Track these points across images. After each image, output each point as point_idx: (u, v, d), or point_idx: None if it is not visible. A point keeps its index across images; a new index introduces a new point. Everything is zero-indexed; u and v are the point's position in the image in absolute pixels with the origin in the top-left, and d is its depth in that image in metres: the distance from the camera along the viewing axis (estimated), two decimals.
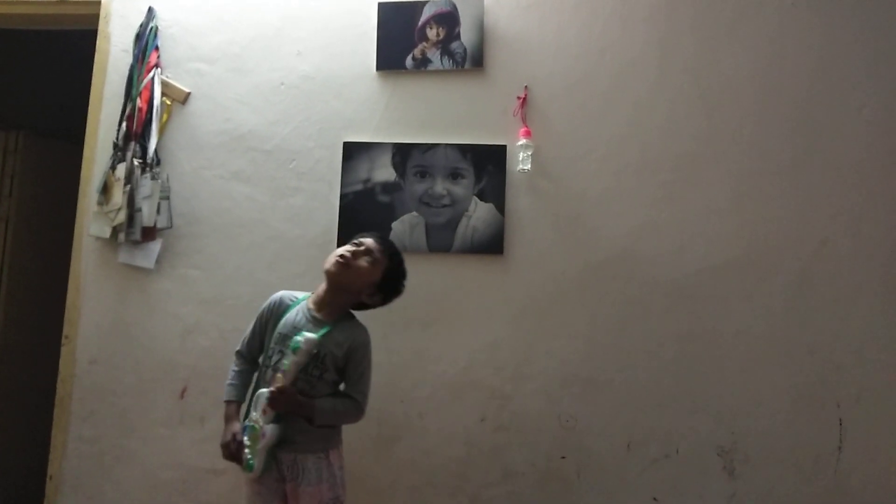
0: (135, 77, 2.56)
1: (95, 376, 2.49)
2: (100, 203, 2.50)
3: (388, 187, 2.45)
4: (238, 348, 2.06)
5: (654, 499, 2.26)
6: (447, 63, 2.46)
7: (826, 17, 2.37)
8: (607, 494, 2.28)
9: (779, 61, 2.38)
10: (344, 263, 1.95)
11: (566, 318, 2.35)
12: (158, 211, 2.47)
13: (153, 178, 2.47)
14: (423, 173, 2.44)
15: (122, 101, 2.56)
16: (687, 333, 2.30)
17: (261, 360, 2.02)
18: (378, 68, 2.50)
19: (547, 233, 2.39)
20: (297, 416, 1.88)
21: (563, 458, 2.30)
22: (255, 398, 1.92)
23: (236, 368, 2.04)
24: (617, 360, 2.32)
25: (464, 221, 2.40)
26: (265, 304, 2.06)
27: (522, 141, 2.37)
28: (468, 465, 2.32)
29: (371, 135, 2.49)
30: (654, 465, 2.27)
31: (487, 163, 2.41)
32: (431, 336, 2.38)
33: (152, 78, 2.54)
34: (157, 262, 2.49)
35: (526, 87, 2.43)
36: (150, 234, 2.47)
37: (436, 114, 2.48)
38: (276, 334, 1.97)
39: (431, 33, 2.48)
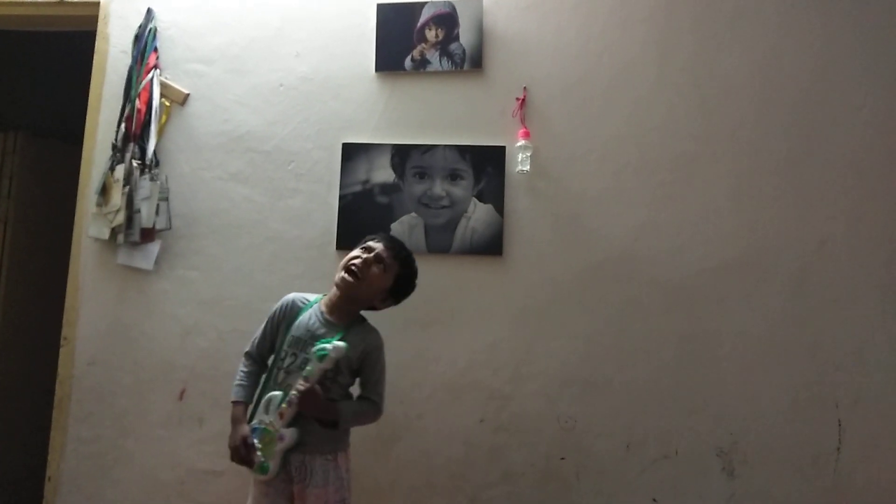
0: (134, 78, 2.56)
1: (94, 377, 2.49)
2: (98, 204, 2.50)
3: (386, 188, 2.45)
4: (247, 349, 2.05)
5: (654, 499, 2.26)
6: (446, 64, 2.46)
7: (825, 18, 2.38)
8: (607, 495, 2.28)
9: (777, 62, 2.38)
10: (356, 276, 1.94)
11: (565, 319, 2.35)
12: (157, 212, 2.47)
13: (152, 179, 2.47)
14: (422, 174, 2.44)
15: (120, 102, 2.57)
16: (686, 334, 2.30)
17: (270, 361, 2.02)
18: (377, 69, 2.50)
19: (546, 234, 2.39)
20: (321, 418, 1.88)
21: (563, 458, 2.30)
22: (265, 400, 1.92)
23: (245, 369, 2.02)
24: (616, 360, 2.32)
25: (463, 222, 2.40)
26: (276, 306, 2.05)
27: (521, 142, 2.37)
28: (467, 465, 2.32)
29: (370, 136, 2.49)
30: (654, 465, 2.27)
31: (486, 164, 2.41)
32: (431, 337, 2.38)
33: (151, 79, 2.54)
34: (156, 263, 2.49)
35: (525, 88, 2.44)
36: (148, 235, 2.47)
37: (435, 115, 2.48)
38: (289, 337, 1.96)
39: (430, 34, 2.48)
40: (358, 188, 2.46)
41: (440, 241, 2.40)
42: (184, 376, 2.46)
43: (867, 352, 2.24)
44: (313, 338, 1.93)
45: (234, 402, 1.98)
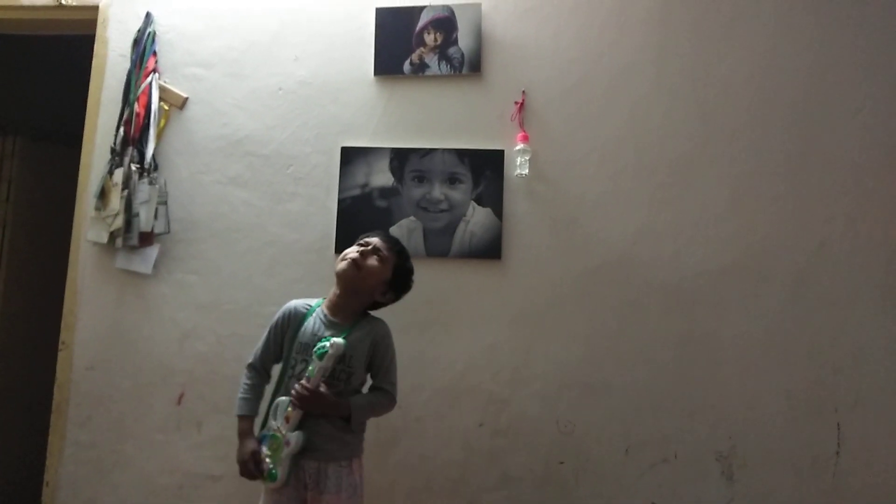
0: (132, 82, 2.56)
1: (92, 382, 2.49)
2: (97, 208, 2.50)
3: (385, 192, 2.45)
4: (249, 361, 2.03)
5: (653, 503, 2.26)
6: (445, 68, 2.47)
7: (822, 20, 2.38)
8: (606, 499, 2.27)
9: (775, 65, 2.38)
10: (355, 266, 1.95)
11: (564, 323, 2.35)
12: (156, 216, 2.47)
13: (151, 183, 2.47)
14: (421, 178, 2.44)
15: (119, 106, 2.57)
16: (684, 337, 2.30)
17: (279, 370, 2.01)
18: (376, 73, 2.50)
19: (545, 237, 2.39)
20: (332, 415, 1.87)
21: (562, 462, 2.29)
22: (273, 407, 1.91)
23: (249, 382, 2.00)
24: (615, 364, 2.32)
25: (461, 226, 2.40)
26: (278, 315, 2.04)
27: (520, 145, 2.37)
28: (466, 469, 2.32)
29: (369, 140, 2.49)
30: (653, 469, 2.27)
31: (485, 167, 2.41)
32: (429, 340, 2.38)
33: (150, 83, 2.54)
34: (155, 267, 2.49)
35: (523, 91, 2.44)
36: (147, 239, 2.47)
37: (433, 119, 2.48)
38: (296, 344, 1.96)
39: (429, 38, 2.48)
40: (357, 192, 2.46)
41: (439, 245, 2.40)
42: (182, 380, 2.45)
43: (866, 354, 2.24)
44: (320, 341, 1.93)
45: (239, 417, 1.97)
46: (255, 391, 2.00)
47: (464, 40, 2.46)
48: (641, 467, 2.27)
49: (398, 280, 2.03)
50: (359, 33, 2.53)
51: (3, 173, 3.28)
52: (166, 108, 2.58)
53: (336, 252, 2.41)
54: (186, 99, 2.59)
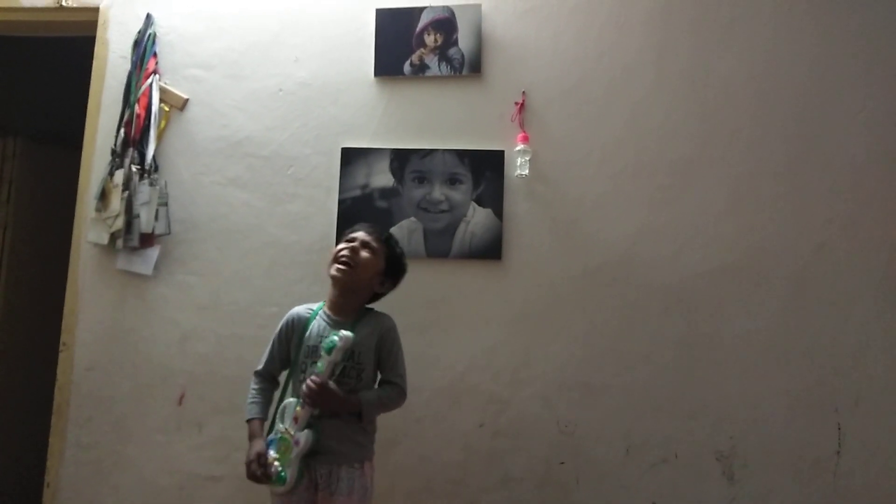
0: (133, 83, 2.56)
1: (93, 383, 2.49)
2: (98, 209, 2.50)
3: (386, 193, 2.45)
4: (257, 369, 2.03)
5: (653, 503, 2.26)
6: (445, 69, 2.47)
7: (822, 22, 2.38)
8: (606, 499, 2.27)
9: (775, 66, 2.38)
10: (348, 264, 1.95)
11: (564, 323, 2.35)
12: (156, 217, 2.47)
13: (151, 184, 2.48)
14: (421, 179, 2.44)
15: (120, 107, 2.57)
16: (684, 338, 2.30)
17: (286, 375, 2.01)
18: (376, 74, 2.51)
19: (545, 238, 2.39)
20: (343, 412, 1.87)
21: (562, 463, 2.29)
22: (280, 409, 1.91)
23: (256, 387, 2.01)
24: (615, 364, 2.32)
25: (462, 227, 2.40)
26: (282, 323, 2.04)
27: (520, 146, 2.37)
28: (466, 470, 2.32)
29: (369, 140, 2.49)
30: (653, 469, 2.27)
31: (485, 168, 2.41)
32: (429, 341, 2.38)
33: (150, 84, 2.54)
34: (155, 268, 2.49)
35: (523, 92, 2.44)
36: (147, 240, 2.47)
37: (434, 119, 2.48)
38: (304, 348, 1.96)
39: (429, 39, 2.48)
40: (357, 193, 2.46)
41: (439, 246, 2.40)
42: (183, 381, 2.45)
43: (866, 355, 2.24)
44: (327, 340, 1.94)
45: (248, 421, 1.97)
46: (263, 395, 2.00)
47: (464, 41, 2.46)
48: (642, 468, 2.27)
49: (392, 267, 2.04)
50: (359, 34, 2.54)
51: (3, 174, 3.29)
52: (167, 109, 2.58)
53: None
54: (187, 100, 2.59)
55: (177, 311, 2.49)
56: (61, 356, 2.52)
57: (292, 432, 1.84)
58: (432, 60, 2.48)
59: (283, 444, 1.85)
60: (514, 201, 2.40)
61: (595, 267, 2.36)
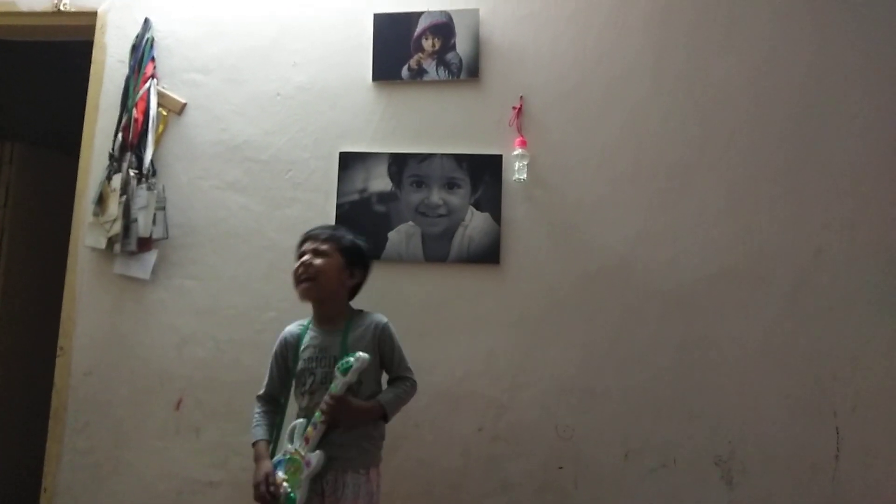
0: (131, 88, 2.56)
1: (91, 387, 2.48)
2: (95, 214, 2.50)
3: (384, 197, 2.45)
4: (259, 393, 2.04)
5: None
6: (443, 73, 2.47)
7: (819, 26, 2.39)
8: None
9: (772, 70, 2.39)
10: (310, 279, 1.95)
11: (563, 328, 2.35)
12: (154, 221, 2.46)
13: (149, 188, 2.47)
14: (420, 183, 2.44)
15: (118, 111, 2.57)
16: (683, 342, 2.30)
17: (291, 393, 2.02)
18: (374, 79, 2.51)
19: (543, 242, 2.39)
20: (366, 420, 1.88)
21: (561, 468, 2.29)
22: (289, 430, 1.90)
23: (259, 411, 2.01)
24: (614, 369, 2.31)
25: (460, 231, 2.40)
26: (277, 344, 2.05)
27: (518, 150, 2.37)
28: (465, 475, 2.31)
29: (367, 145, 2.49)
30: (652, 474, 2.27)
31: (483, 172, 2.41)
32: (428, 346, 2.37)
33: (148, 88, 2.54)
34: (153, 272, 2.49)
35: (521, 96, 2.44)
36: (145, 244, 2.47)
37: (432, 124, 2.48)
38: (301, 362, 1.97)
39: (427, 44, 2.49)
40: (355, 197, 2.46)
41: (437, 250, 2.40)
42: (181, 386, 2.45)
43: (864, 359, 2.24)
44: (322, 349, 1.95)
45: (254, 444, 1.96)
46: (266, 417, 2.00)
47: (462, 46, 2.47)
48: (641, 472, 2.27)
49: (351, 256, 2.02)
50: (357, 39, 2.54)
51: (1, 179, 3.28)
52: (165, 113, 2.58)
53: None
54: (185, 104, 2.59)
55: (175, 315, 2.49)
56: (59, 361, 2.51)
57: (303, 453, 1.83)
58: (430, 65, 2.48)
59: (293, 465, 1.83)
60: (513, 205, 2.40)
61: (593, 271, 2.36)
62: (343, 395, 1.83)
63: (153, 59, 2.59)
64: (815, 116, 2.36)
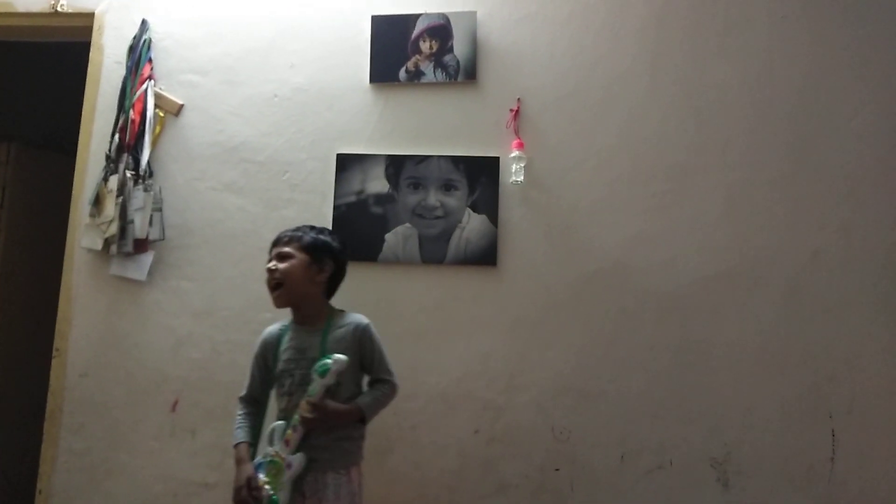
0: (128, 89, 2.56)
1: (86, 389, 2.47)
2: (92, 215, 2.49)
3: (381, 199, 2.45)
4: (241, 395, 2.04)
5: None
6: (440, 75, 2.47)
7: (816, 29, 2.40)
8: None
9: (769, 73, 2.40)
10: (280, 284, 1.94)
11: (559, 330, 2.35)
12: (151, 223, 2.46)
13: (145, 189, 2.47)
14: (417, 185, 2.44)
15: (114, 112, 2.57)
16: (679, 344, 2.30)
17: (271, 396, 2.02)
18: (371, 80, 2.51)
19: (540, 244, 2.39)
20: (345, 422, 1.88)
21: (557, 470, 2.29)
22: (269, 432, 1.90)
23: (241, 412, 2.01)
24: (610, 371, 2.32)
25: (457, 233, 2.40)
26: (257, 345, 2.05)
27: (515, 153, 2.38)
28: (461, 477, 2.31)
29: (364, 146, 2.49)
30: (648, 476, 2.27)
31: (480, 174, 2.42)
32: (424, 348, 2.37)
33: (145, 90, 2.54)
34: (149, 273, 2.48)
35: (518, 99, 2.45)
36: (142, 245, 2.47)
37: (429, 126, 2.48)
38: (280, 363, 1.96)
39: (425, 46, 2.49)
40: (352, 199, 2.46)
41: (434, 252, 2.40)
42: (177, 388, 2.44)
43: (860, 361, 2.24)
44: (301, 351, 1.94)
45: (235, 446, 1.96)
46: (248, 419, 2.00)
47: (459, 48, 2.47)
48: (637, 474, 2.27)
49: (315, 252, 2.00)
50: (354, 41, 2.54)
51: None
52: (161, 114, 2.58)
53: None
54: (182, 106, 2.59)
55: (171, 316, 2.48)
56: (54, 362, 2.51)
57: (284, 455, 1.83)
58: (428, 67, 2.48)
59: (275, 468, 1.83)
60: (510, 208, 2.41)
61: (590, 273, 2.36)
62: (320, 400, 1.83)
63: (150, 61, 2.59)
64: (811, 119, 2.36)
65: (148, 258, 2.48)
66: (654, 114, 2.41)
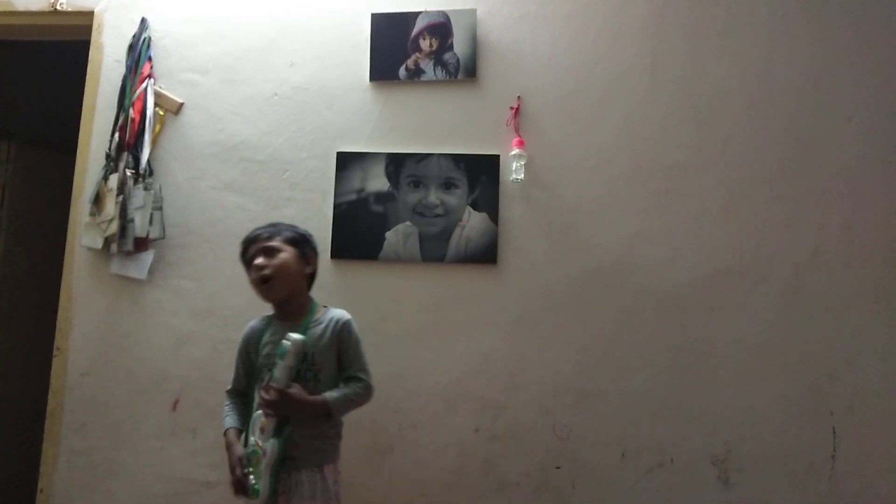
0: (128, 87, 2.56)
1: (87, 388, 2.48)
2: (92, 214, 2.49)
3: (381, 197, 2.45)
4: (227, 389, 2.04)
5: None
6: (440, 73, 2.47)
7: (816, 28, 2.39)
8: None
9: (769, 72, 2.39)
10: (268, 278, 1.93)
11: (559, 328, 2.35)
12: (151, 221, 2.46)
13: (146, 188, 2.47)
14: (417, 183, 2.44)
15: (114, 111, 2.56)
16: (680, 343, 2.30)
17: (256, 390, 2.00)
18: (371, 79, 2.51)
19: (540, 242, 2.39)
20: (310, 415, 1.86)
21: (558, 468, 2.29)
22: (251, 423, 1.90)
23: (228, 403, 2.01)
24: (610, 369, 2.32)
25: (457, 231, 2.40)
26: (241, 341, 2.04)
27: (515, 151, 2.37)
28: (462, 476, 2.31)
29: (364, 145, 2.49)
30: (649, 474, 2.27)
31: (481, 172, 2.41)
32: (425, 346, 2.37)
33: (145, 88, 2.54)
34: (150, 272, 2.48)
35: (519, 97, 2.44)
36: (142, 244, 2.46)
37: (429, 124, 2.48)
38: (261, 358, 1.96)
39: (425, 44, 2.49)
40: (353, 197, 2.46)
41: (435, 250, 2.40)
42: (177, 386, 2.44)
43: (861, 359, 2.25)
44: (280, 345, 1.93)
45: (224, 433, 1.95)
46: (235, 408, 1.99)
47: (459, 46, 2.47)
48: (637, 472, 2.27)
49: (301, 245, 2.00)
50: (354, 39, 2.54)
51: None
52: (161, 113, 2.57)
53: (332, 258, 2.43)
54: (182, 104, 2.58)
55: (171, 315, 2.48)
56: (55, 361, 2.51)
57: (261, 443, 1.83)
58: (428, 65, 2.48)
59: (255, 457, 1.83)
60: (510, 206, 2.41)
61: (590, 272, 2.36)
62: (283, 388, 1.82)
63: (150, 59, 2.58)
64: (811, 118, 2.36)
65: (148, 257, 2.48)
66: (655, 112, 2.41)
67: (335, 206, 2.45)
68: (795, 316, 2.28)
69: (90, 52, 2.66)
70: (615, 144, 2.40)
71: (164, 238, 2.49)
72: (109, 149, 2.52)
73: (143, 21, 2.61)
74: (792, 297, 2.29)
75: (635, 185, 2.38)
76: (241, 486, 1.84)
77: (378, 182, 2.45)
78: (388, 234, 2.42)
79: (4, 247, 3.25)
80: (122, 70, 2.60)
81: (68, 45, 2.81)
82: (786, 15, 2.41)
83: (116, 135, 2.52)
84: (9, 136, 3.31)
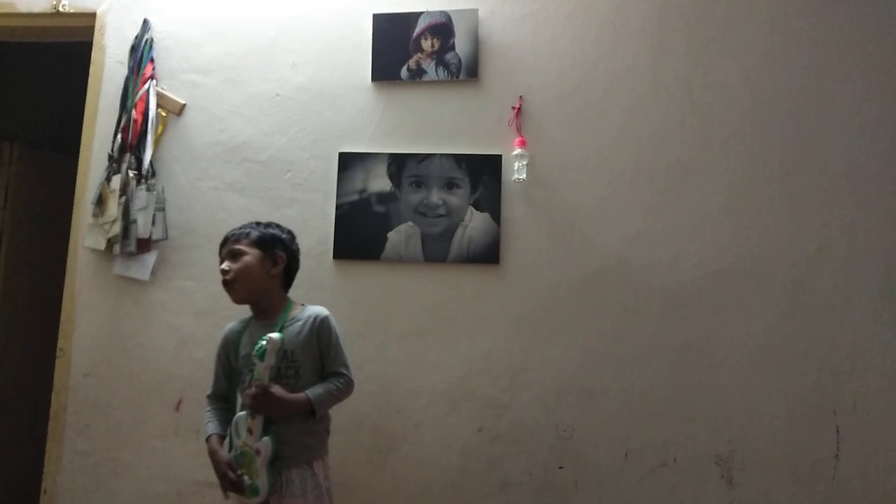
0: (130, 89, 2.56)
1: (90, 389, 2.48)
2: (95, 215, 2.50)
3: (383, 197, 2.45)
4: (207, 393, 2.05)
5: None
6: (442, 73, 2.47)
7: (817, 26, 2.39)
8: None
9: (771, 70, 2.39)
10: (233, 281, 1.94)
11: (562, 328, 2.35)
12: (153, 222, 2.47)
13: (148, 189, 2.47)
14: (419, 183, 2.44)
15: (117, 112, 2.57)
16: (682, 342, 2.30)
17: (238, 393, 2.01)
18: (373, 79, 2.51)
19: (542, 242, 2.39)
20: (293, 412, 1.86)
21: (561, 468, 2.29)
22: (232, 426, 1.90)
23: (209, 409, 2.02)
24: (613, 368, 2.31)
25: (459, 231, 2.40)
26: (219, 345, 2.05)
27: (517, 150, 2.37)
28: (465, 475, 2.31)
29: (366, 145, 2.49)
30: (652, 474, 2.27)
31: (483, 172, 2.41)
32: (427, 346, 2.38)
33: (147, 89, 2.54)
34: (153, 273, 2.49)
35: (520, 97, 2.44)
36: (145, 245, 2.47)
37: (431, 124, 2.48)
38: (240, 358, 1.97)
39: (426, 44, 2.49)
40: (355, 197, 2.46)
41: (437, 250, 2.40)
42: (180, 387, 2.45)
43: (864, 357, 2.24)
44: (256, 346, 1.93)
45: (206, 440, 1.95)
46: (217, 414, 2.00)
47: (461, 46, 2.47)
48: (641, 472, 2.27)
49: (266, 246, 1.99)
50: (356, 39, 2.54)
51: (0, 180, 3.28)
52: (164, 114, 2.58)
53: (334, 258, 2.43)
54: (184, 105, 2.59)
55: (174, 316, 2.48)
56: (58, 362, 2.51)
57: (251, 444, 1.83)
58: (429, 65, 2.48)
59: (246, 458, 1.83)
60: (512, 205, 2.41)
61: (593, 271, 2.36)
62: (265, 386, 1.82)
63: (152, 60, 2.59)
64: (813, 116, 2.36)
65: (151, 258, 2.48)
66: (656, 111, 2.40)
67: (337, 207, 2.46)
68: (798, 315, 2.27)
69: (92, 54, 2.66)
70: (617, 143, 2.40)
71: (166, 239, 2.50)
72: (112, 150, 2.53)
73: (146, 22, 2.61)
74: (795, 296, 2.28)
75: (637, 184, 2.38)
76: (236, 487, 1.84)
77: (380, 182, 2.45)
78: (391, 235, 2.42)
79: (7, 248, 3.26)
80: (124, 71, 2.60)
81: (70, 47, 2.82)
82: (787, 13, 2.40)
83: (119, 136, 2.52)
84: (11, 138, 3.32)
